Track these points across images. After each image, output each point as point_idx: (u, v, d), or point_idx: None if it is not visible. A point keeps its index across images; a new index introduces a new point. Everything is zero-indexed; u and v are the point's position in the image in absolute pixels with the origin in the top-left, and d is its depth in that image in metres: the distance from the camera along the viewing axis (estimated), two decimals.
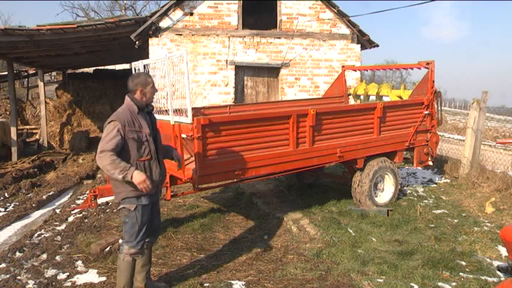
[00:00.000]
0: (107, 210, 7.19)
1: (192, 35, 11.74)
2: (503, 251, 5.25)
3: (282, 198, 7.63)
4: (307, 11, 12.11)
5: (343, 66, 9.50)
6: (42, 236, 6.07)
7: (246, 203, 7.43)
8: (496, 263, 5.02)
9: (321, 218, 6.35)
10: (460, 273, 4.71)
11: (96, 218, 6.79)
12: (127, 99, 3.85)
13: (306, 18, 12.09)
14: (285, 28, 12.04)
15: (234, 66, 11.89)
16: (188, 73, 4.93)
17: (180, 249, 5.44)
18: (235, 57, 11.89)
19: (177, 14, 11.62)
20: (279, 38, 12.03)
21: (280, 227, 6.22)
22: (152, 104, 4.06)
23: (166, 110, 5.54)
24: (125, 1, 39.61)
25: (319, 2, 12.07)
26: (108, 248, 5.32)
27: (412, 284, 4.44)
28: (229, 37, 11.83)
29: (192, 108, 5.35)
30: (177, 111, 5.28)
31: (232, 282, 4.48)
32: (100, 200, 6.08)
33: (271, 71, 12.31)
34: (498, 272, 4.78)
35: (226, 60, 11.85)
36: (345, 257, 5.08)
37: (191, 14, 11.68)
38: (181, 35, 11.69)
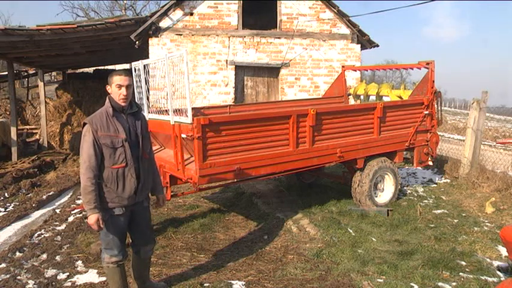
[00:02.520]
0: None
1: (192, 35, 11.75)
2: (503, 251, 5.25)
3: (282, 198, 7.63)
4: (307, 11, 12.11)
5: (343, 66, 9.49)
6: (42, 236, 6.08)
7: (246, 203, 7.43)
8: (496, 263, 5.01)
9: (321, 218, 6.34)
10: (460, 273, 4.71)
11: None
12: (106, 99, 3.64)
13: (306, 18, 12.10)
14: (285, 28, 12.05)
15: (234, 66, 11.90)
16: (188, 73, 4.93)
17: (180, 249, 5.44)
18: (235, 57, 11.90)
19: (177, 14, 11.64)
20: (279, 38, 12.03)
21: (280, 227, 6.22)
22: (137, 104, 3.82)
23: (166, 110, 5.53)
24: (124, 1, 39.62)
25: (319, 2, 12.08)
26: None
27: (412, 284, 4.44)
28: (229, 37, 11.84)
29: (192, 108, 5.35)
30: (177, 111, 5.27)
31: (232, 282, 4.48)
32: None
33: (271, 71, 12.31)
34: (498, 272, 4.78)
35: (226, 60, 11.87)
36: (345, 257, 5.08)
37: (191, 14, 11.69)
38: (181, 35, 11.70)
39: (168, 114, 5.30)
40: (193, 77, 11.62)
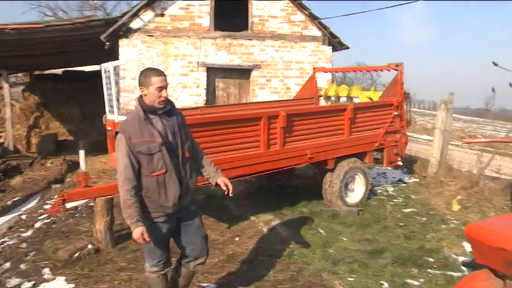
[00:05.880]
0: (76, 215, 7.03)
1: (163, 36, 11.62)
2: (468, 247, 5.39)
3: (253, 199, 7.63)
4: (279, 13, 12.15)
5: (314, 68, 9.58)
6: (6, 243, 5.86)
7: (217, 205, 7.40)
8: (461, 259, 5.17)
9: (292, 219, 6.39)
10: (428, 270, 4.83)
11: (65, 223, 6.63)
12: (136, 102, 3.32)
13: (277, 20, 12.13)
14: (257, 30, 12.06)
15: (205, 68, 11.82)
16: None
17: None
18: (206, 59, 11.83)
19: (148, 14, 11.49)
20: (250, 39, 12.04)
21: (252, 228, 6.21)
22: (170, 100, 3.39)
23: None
24: (94, 1, 38.96)
25: (291, 4, 12.13)
26: (77, 254, 5.20)
27: (382, 282, 4.51)
28: (200, 39, 11.77)
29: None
30: None
31: (204, 285, 4.45)
32: (69, 205, 5.94)
33: (242, 73, 12.30)
34: (463, 267, 4.93)
35: (198, 62, 11.78)
36: (316, 257, 5.12)
37: (162, 15, 11.56)
38: (152, 36, 11.56)
39: None
40: None
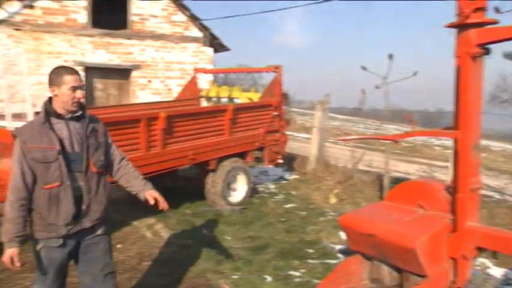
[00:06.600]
0: None
1: (34, 31, 10.70)
2: (344, 236, 5.80)
3: (135, 204, 7.32)
4: (160, 12, 11.95)
5: (195, 69, 9.58)
6: None
7: None
8: (338, 247, 5.54)
9: (175, 221, 6.32)
10: (308, 260, 5.10)
11: None
12: (42, 103, 2.90)
13: (157, 20, 11.92)
14: (137, 29, 11.72)
15: (83, 67, 11.16)
16: (28, 74, 4.49)
17: (22, 272, 4.89)
18: (84, 58, 11.19)
19: (14, 5, 10.45)
20: (130, 39, 11.66)
21: (134, 234, 6.00)
22: (82, 104, 2.94)
23: (3, 115, 4.97)
24: None
25: (172, 4, 12.01)
26: None
27: (265, 276, 4.65)
28: (77, 36, 11.07)
29: (35, 113, 4.87)
30: (17, 116, 4.77)
31: None
32: None
33: (122, 73, 11.87)
34: (339, 255, 5.30)
35: (74, 61, 11.06)
36: (201, 258, 5.11)
37: (31, 6, 10.60)
38: (20, 30, 10.57)
39: (5, 120, 4.77)
40: (38, 78, 10.60)
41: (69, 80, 2.80)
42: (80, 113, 2.90)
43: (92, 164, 2.91)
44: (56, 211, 2.80)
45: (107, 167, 3.10)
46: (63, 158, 2.78)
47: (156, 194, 3.22)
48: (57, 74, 2.83)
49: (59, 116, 2.83)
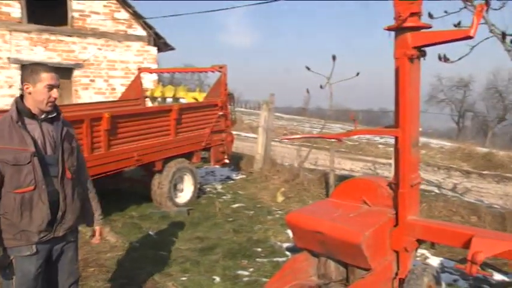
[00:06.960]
0: None
1: None
2: (291, 234, 5.88)
3: None
4: (101, 9, 11.58)
5: (139, 69, 9.41)
6: None
7: None
8: (285, 245, 5.61)
9: (121, 225, 6.16)
10: (257, 259, 5.13)
11: None
12: (13, 101, 2.71)
13: (99, 17, 11.54)
14: (77, 26, 11.29)
15: (18, 65, 10.57)
16: None
17: None
18: (19, 55, 10.60)
19: None
20: (70, 36, 11.20)
21: (79, 239, 5.79)
22: (57, 106, 2.78)
23: None
24: None
25: (114, 1, 11.67)
26: None
27: (214, 277, 4.63)
28: (10, 31, 10.47)
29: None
30: None
31: None
32: None
33: (63, 72, 11.35)
34: (287, 252, 5.36)
35: (9, 58, 10.48)
36: (148, 261, 5.01)
37: None
38: None
39: None
40: None
41: (46, 77, 2.64)
42: (54, 114, 2.75)
43: (67, 169, 2.77)
44: (28, 217, 2.62)
45: (78, 174, 2.94)
46: (38, 160, 2.62)
47: (102, 231, 3.26)
48: (33, 71, 2.66)
49: (33, 116, 2.67)
